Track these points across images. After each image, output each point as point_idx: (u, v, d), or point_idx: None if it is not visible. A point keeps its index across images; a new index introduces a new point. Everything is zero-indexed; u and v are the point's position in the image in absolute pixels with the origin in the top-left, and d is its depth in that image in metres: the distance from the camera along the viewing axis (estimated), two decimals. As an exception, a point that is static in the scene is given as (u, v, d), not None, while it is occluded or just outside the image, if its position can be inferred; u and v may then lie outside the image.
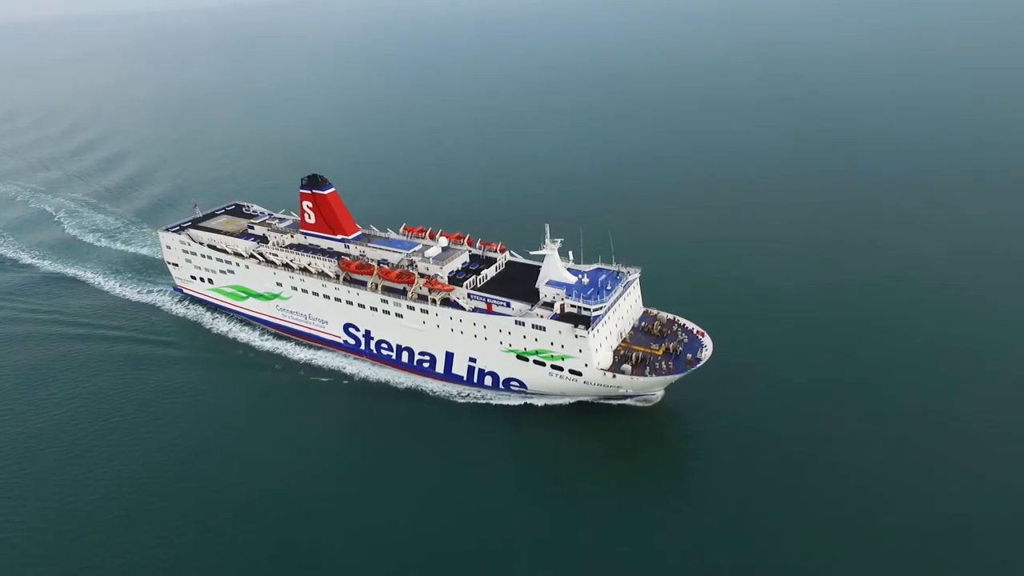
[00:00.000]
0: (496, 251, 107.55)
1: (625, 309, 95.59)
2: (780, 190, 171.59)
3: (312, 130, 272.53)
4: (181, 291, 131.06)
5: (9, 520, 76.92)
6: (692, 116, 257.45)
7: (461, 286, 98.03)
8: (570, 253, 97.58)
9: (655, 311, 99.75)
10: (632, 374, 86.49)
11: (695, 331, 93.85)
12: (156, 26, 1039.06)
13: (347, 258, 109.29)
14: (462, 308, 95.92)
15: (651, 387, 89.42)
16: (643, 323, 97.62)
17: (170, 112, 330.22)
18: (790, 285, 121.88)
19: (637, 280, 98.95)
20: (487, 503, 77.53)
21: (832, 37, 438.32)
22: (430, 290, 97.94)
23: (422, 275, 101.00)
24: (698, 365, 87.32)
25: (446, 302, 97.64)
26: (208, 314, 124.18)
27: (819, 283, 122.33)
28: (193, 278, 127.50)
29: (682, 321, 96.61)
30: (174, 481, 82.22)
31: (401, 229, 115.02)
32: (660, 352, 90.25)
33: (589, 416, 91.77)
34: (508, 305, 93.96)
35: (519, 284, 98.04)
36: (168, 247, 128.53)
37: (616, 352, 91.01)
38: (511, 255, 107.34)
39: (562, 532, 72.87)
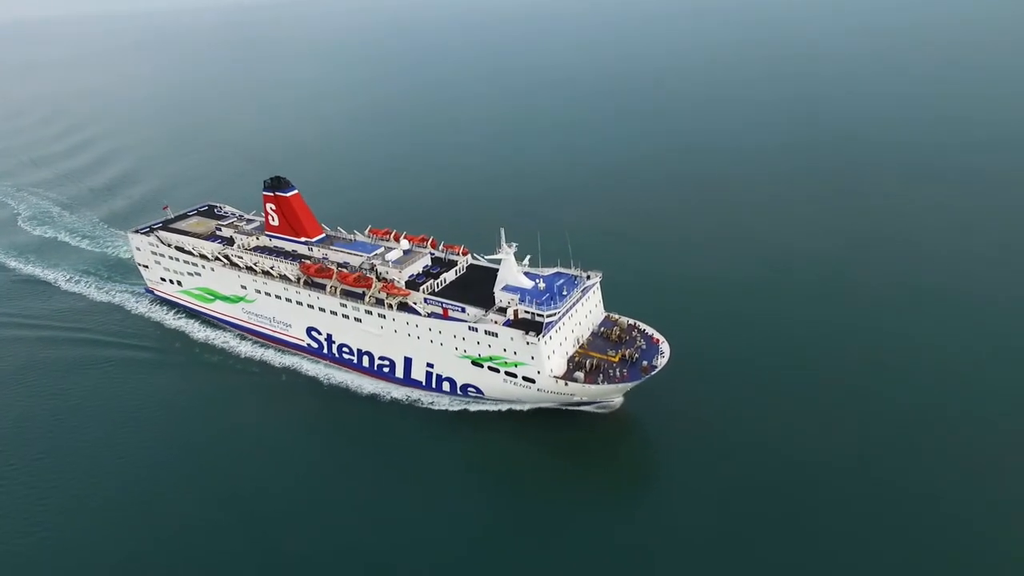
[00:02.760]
0: (458, 254, 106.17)
1: (583, 315, 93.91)
2: (748, 192, 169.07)
3: (288, 131, 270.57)
4: (152, 293, 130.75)
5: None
6: (660, 118, 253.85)
7: (418, 290, 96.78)
8: (527, 258, 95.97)
9: (616, 316, 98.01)
10: (585, 381, 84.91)
11: (653, 337, 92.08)
12: (156, 26, 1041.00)
13: (307, 261, 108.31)
14: (418, 313, 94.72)
15: (604, 395, 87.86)
16: (603, 328, 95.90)
17: (155, 113, 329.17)
18: (754, 290, 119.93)
19: (598, 285, 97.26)
20: (439, 510, 76.59)
21: (809, 37, 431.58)
22: (387, 295, 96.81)
23: (380, 279, 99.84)
24: (653, 372, 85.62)
25: (403, 307, 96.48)
26: (177, 316, 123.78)
27: (784, 287, 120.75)
28: (163, 280, 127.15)
29: (642, 327, 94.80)
30: (123, 484, 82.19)
31: (366, 231, 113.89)
32: (616, 359, 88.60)
33: (547, 423, 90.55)
34: (464, 310, 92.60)
35: (477, 288, 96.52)
36: (138, 248, 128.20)
37: (571, 359, 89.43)
38: (473, 258, 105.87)
39: (513, 539, 72.12)
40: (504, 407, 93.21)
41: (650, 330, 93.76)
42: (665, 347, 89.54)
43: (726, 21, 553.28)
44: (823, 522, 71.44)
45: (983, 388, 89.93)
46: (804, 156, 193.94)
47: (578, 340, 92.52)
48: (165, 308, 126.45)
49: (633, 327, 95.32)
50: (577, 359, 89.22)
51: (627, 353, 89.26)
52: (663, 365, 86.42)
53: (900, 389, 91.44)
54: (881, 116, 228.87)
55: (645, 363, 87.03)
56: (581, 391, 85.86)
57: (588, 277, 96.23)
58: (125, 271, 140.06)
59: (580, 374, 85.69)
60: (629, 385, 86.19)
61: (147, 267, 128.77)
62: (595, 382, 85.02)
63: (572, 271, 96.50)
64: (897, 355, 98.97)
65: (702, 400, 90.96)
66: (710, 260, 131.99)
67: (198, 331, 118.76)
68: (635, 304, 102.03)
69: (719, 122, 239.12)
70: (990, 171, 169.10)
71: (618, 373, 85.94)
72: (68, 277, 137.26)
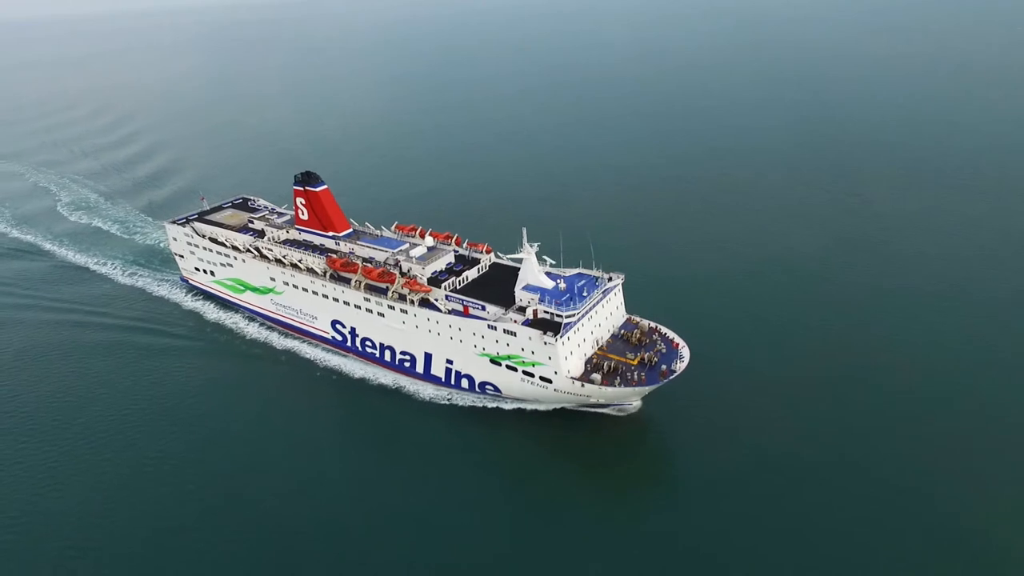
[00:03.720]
0: (482, 252, 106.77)
1: (603, 316, 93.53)
2: (776, 197, 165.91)
3: (322, 128, 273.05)
4: (187, 282, 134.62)
5: None
6: (688, 118, 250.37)
7: (440, 287, 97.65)
8: (550, 263, 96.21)
9: (637, 319, 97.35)
10: (602, 383, 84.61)
11: (674, 342, 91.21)
12: (209, 21, 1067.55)
13: (334, 255, 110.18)
14: (439, 310, 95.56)
15: (621, 397, 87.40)
16: (623, 331, 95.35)
17: (197, 108, 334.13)
18: (779, 296, 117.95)
19: (619, 287, 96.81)
20: (449, 504, 77.32)
21: (828, 39, 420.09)
22: (409, 290, 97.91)
23: (404, 274, 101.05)
24: (671, 377, 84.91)
25: (424, 303, 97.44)
26: (210, 305, 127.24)
27: (809, 294, 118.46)
28: (197, 270, 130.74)
29: (663, 330, 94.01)
30: (151, 462, 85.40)
31: (393, 227, 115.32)
32: (635, 362, 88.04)
33: (564, 423, 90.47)
34: (484, 308, 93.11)
35: (499, 287, 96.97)
36: (174, 239, 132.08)
37: (590, 360, 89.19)
38: (496, 257, 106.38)
39: (525, 539, 72.27)
40: (518, 407, 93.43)
41: (671, 334, 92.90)
42: (685, 352, 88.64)
43: (750, 21, 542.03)
44: (844, 537, 69.82)
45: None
46: (833, 161, 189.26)
47: (597, 342, 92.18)
48: (199, 297, 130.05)
49: (654, 330, 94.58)
50: (595, 361, 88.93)
51: (646, 356, 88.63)
52: (682, 370, 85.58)
53: (929, 394, 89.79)
54: (918, 119, 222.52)
55: (664, 367, 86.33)
56: (598, 393, 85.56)
57: (610, 279, 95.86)
58: (162, 260, 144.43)
59: (597, 376, 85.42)
60: (647, 389, 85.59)
61: (182, 257, 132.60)
62: (612, 384, 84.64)
63: (594, 272, 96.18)
64: (925, 360, 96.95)
65: (722, 406, 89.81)
66: (735, 264, 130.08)
67: (229, 320, 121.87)
68: (658, 307, 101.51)
69: (748, 123, 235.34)
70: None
71: (636, 376, 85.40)
72: (108, 264, 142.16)
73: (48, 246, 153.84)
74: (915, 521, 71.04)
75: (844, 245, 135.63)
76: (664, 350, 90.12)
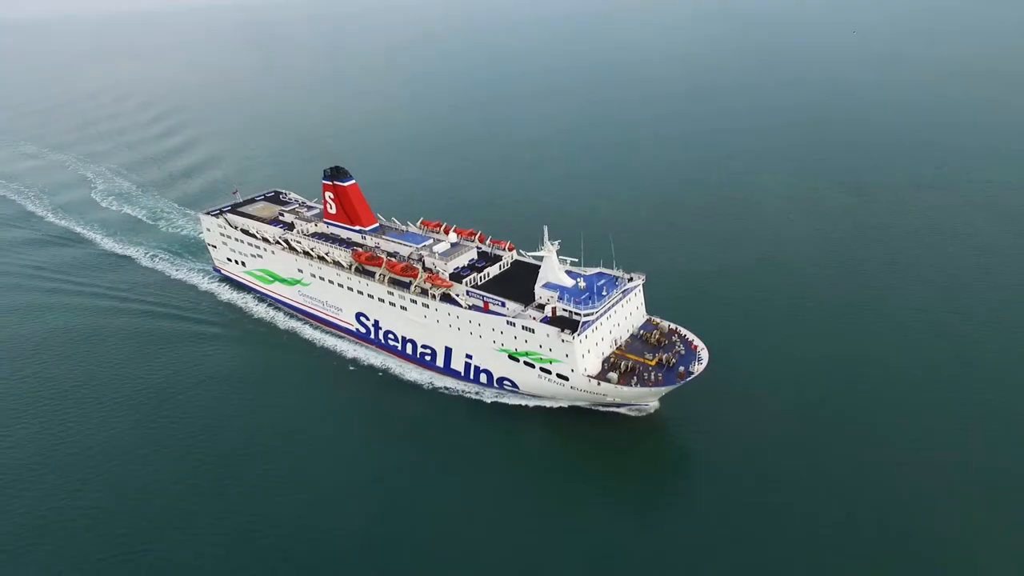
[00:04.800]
0: (504, 249, 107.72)
1: (623, 316, 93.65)
2: (805, 201, 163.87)
3: (354, 124, 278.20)
4: (219, 272, 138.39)
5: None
6: (718, 118, 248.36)
7: (461, 283, 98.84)
8: (570, 260, 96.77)
9: (657, 320, 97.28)
10: (618, 383, 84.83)
11: (692, 343, 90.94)
12: (256, 20, 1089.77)
13: (360, 249, 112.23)
14: (459, 305, 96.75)
15: (637, 397, 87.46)
16: (643, 331, 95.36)
17: (237, 103, 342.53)
18: (801, 302, 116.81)
19: (640, 287, 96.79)
20: (462, 499, 78.45)
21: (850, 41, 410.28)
22: (431, 285, 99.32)
23: (426, 269, 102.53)
24: (689, 379, 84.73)
25: (446, 298, 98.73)
26: (240, 295, 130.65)
27: (832, 301, 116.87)
28: (229, 260, 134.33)
29: (683, 332, 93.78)
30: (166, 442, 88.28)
31: (418, 223, 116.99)
32: (653, 362, 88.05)
33: (579, 421, 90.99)
34: (504, 305, 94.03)
35: (519, 284, 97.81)
36: (208, 229, 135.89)
37: (607, 360, 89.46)
38: (518, 254, 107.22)
39: (536, 533, 73.05)
40: (539, 403, 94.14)
41: (691, 336, 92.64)
42: (704, 354, 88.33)
43: (781, 24, 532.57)
44: (860, 542, 69.14)
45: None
46: (866, 165, 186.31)
47: (616, 341, 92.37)
48: (230, 286, 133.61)
49: (674, 332, 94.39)
50: (613, 360, 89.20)
51: (664, 357, 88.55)
52: (699, 372, 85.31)
53: (955, 399, 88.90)
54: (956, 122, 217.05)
55: (681, 368, 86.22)
56: (614, 392, 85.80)
57: (630, 279, 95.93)
58: (196, 250, 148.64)
59: (614, 375, 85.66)
60: (663, 389, 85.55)
61: (215, 247, 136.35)
62: (628, 384, 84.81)
63: (614, 272, 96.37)
64: (952, 366, 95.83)
65: (740, 410, 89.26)
66: (759, 268, 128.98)
67: (258, 310, 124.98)
68: (679, 309, 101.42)
69: (774, 123, 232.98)
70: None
71: (652, 376, 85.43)
72: (144, 253, 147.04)
73: (88, 234, 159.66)
74: (938, 528, 70.33)
75: (872, 253, 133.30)
76: (683, 351, 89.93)
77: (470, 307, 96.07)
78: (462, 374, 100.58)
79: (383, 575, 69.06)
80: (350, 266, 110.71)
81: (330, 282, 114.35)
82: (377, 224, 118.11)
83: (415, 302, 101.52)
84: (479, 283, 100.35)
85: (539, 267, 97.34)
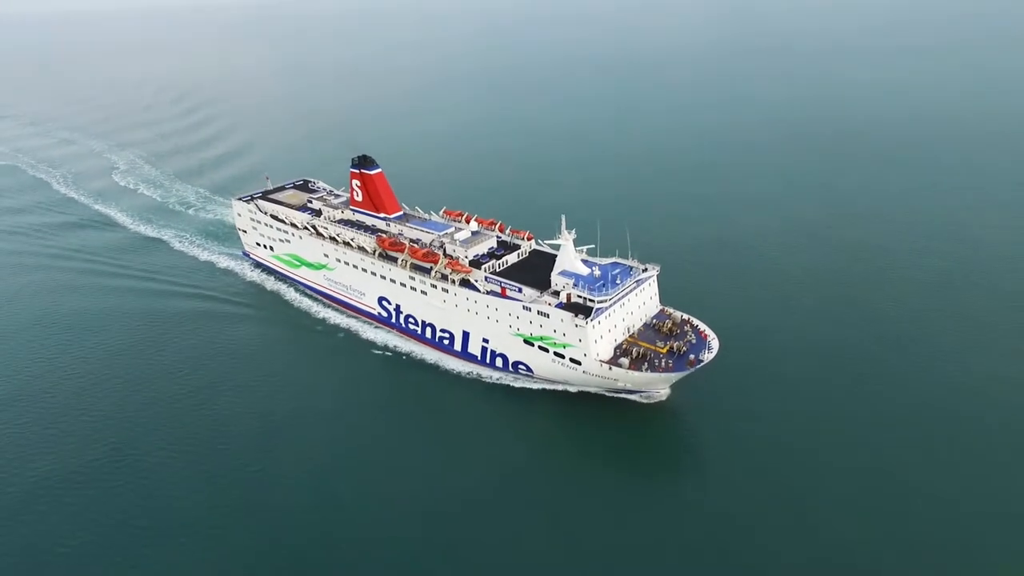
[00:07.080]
0: (523, 239, 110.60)
1: (636, 305, 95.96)
2: (823, 196, 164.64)
3: (383, 115, 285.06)
4: (248, 256, 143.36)
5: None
6: (732, 110, 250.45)
7: (480, 269, 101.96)
8: (587, 247, 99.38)
9: (671, 310, 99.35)
10: (629, 368, 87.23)
11: (704, 333, 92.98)
12: (290, 14, 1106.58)
13: (383, 235, 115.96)
14: (477, 290, 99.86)
15: (648, 383, 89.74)
16: (656, 321, 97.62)
17: (272, 94, 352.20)
18: (813, 294, 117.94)
19: (654, 278, 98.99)
20: (474, 482, 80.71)
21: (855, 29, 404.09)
22: (451, 270, 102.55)
23: (447, 256, 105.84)
24: (699, 366, 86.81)
25: (464, 283, 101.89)
26: (268, 278, 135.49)
27: (845, 287, 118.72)
28: (258, 244, 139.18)
29: (695, 322, 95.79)
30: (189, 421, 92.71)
31: (441, 212, 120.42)
32: (664, 350, 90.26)
33: (590, 406, 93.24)
34: (520, 291, 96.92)
35: (536, 272, 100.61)
36: (239, 215, 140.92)
37: (619, 346, 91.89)
38: (537, 243, 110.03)
39: (545, 517, 75.04)
40: (552, 387, 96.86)
41: (702, 326, 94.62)
42: (715, 343, 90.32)
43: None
44: (866, 531, 70.07)
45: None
46: (883, 158, 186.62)
47: (628, 329, 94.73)
48: (258, 270, 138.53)
49: (686, 322, 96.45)
50: (625, 347, 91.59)
51: (675, 346, 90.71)
52: (709, 360, 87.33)
53: (965, 395, 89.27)
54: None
55: (692, 356, 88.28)
56: (625, 377, 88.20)
57: (644, 269, 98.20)
58: (227, 235, 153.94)
59: (625, 360, 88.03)
60: (673, 376, 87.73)
61: (245, 232, 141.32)
62: (639, 369, 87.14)
63: (629, 262, 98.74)
64: (963, 362, 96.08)
65: (750, 400, 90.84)
66: (773, 261, 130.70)
67: (285, 293, 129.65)
68: (693, 300, 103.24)
69: (796, 116, 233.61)
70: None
71: (663, 363, 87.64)
72: (177, 236, 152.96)
73: (122, 218, 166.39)
74: (945, 520, 71.15)
75: (886, 245, 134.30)
76: (694, 340, 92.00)
77: (488, 292, 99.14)
78: (479, 358, 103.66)
79: (390, 544, 71.94)
80: (374, 251, 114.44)
81: (354, 267, 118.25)
82: (401, 212, 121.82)
83: (435, 287, 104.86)
84: (497, 270, 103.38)
85: (556, 256, 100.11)
